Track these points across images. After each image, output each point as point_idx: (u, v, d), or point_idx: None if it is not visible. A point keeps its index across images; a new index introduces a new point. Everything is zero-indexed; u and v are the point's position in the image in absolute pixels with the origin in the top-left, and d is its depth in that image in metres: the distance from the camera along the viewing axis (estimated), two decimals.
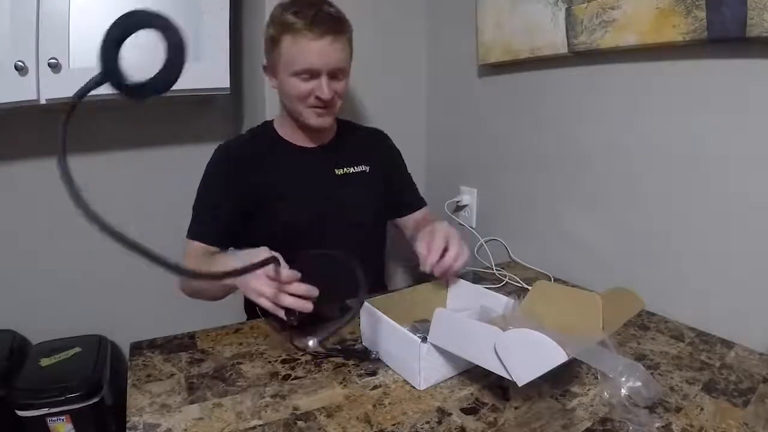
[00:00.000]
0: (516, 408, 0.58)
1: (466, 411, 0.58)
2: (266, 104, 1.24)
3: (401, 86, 1.44)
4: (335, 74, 0.88)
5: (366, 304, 0.68)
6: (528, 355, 0.54)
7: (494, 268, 1.09)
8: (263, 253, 0.70)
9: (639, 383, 0.58)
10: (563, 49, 0.96)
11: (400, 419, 0.56)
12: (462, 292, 0.81)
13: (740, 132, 0.74)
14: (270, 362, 0.69)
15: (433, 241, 0.78)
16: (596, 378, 0.63)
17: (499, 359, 0.55)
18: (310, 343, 0.55)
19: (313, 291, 0.67)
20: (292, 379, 0.64)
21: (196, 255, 0.89)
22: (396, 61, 1.42)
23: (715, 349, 0.72)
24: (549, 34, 0.98)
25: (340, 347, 0.72)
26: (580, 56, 0.95)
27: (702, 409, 0.57)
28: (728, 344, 0.73)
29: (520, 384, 0.54)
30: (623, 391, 0.58)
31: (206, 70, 1.18)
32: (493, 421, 0.56)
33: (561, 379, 0.62)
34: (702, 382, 0.63)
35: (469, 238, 1.25)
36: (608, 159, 0.96)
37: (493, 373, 0.65)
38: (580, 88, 0.99)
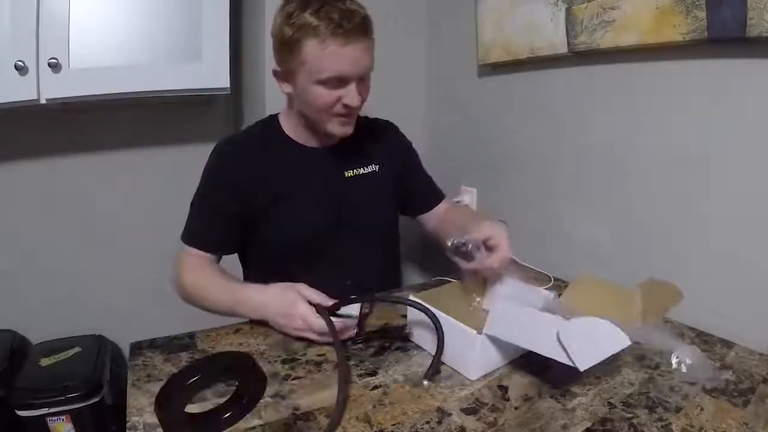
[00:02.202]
0: (516, 408, 0.58)
1: (466, 411, 0.58)
2: (266, 104, 1.24)
3: (401, 86, 1.44)
4: (362, 77, 0.82)
5: (414, 299, 0.70)
6: (591, 341, 0.58)
7: None
8: (291, 293, 0.74)
9: (692, 362, 0.65)
10: (563, 49, 0.96)
11: (400, 419, 0.56)
12: (500, 286, 0.81)
13: (740, 132, 0.74)
14: (270, 362, 0.69)
15: (498, 253, 0.77)
16: (596, 378, 0.63)
17: (562, 346, 0.57)
18: (425, 383, 0.62)
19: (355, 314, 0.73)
20: (292, 379, 0.64)
21: (195, 265, 0.86)
22: (396, 61, 1.42)
23: (715, 349, 0.72)
24: (549, 34, 0.98)
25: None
26: (580, 56, 0.95)
27: (702, 409, 0.57)
28: (728, 344, 0.73)
29: (581, 369, 0.56)
30: (684, 364, 0.65)
31: (206, 70, 1.18)
32: (493, 421, 0.56)
33: (561, 379, 0.62)
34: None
35: None
36: (608, 159, 0.96)
37: (493, 373, 0.65)
38: (580, 88, 0.99)
